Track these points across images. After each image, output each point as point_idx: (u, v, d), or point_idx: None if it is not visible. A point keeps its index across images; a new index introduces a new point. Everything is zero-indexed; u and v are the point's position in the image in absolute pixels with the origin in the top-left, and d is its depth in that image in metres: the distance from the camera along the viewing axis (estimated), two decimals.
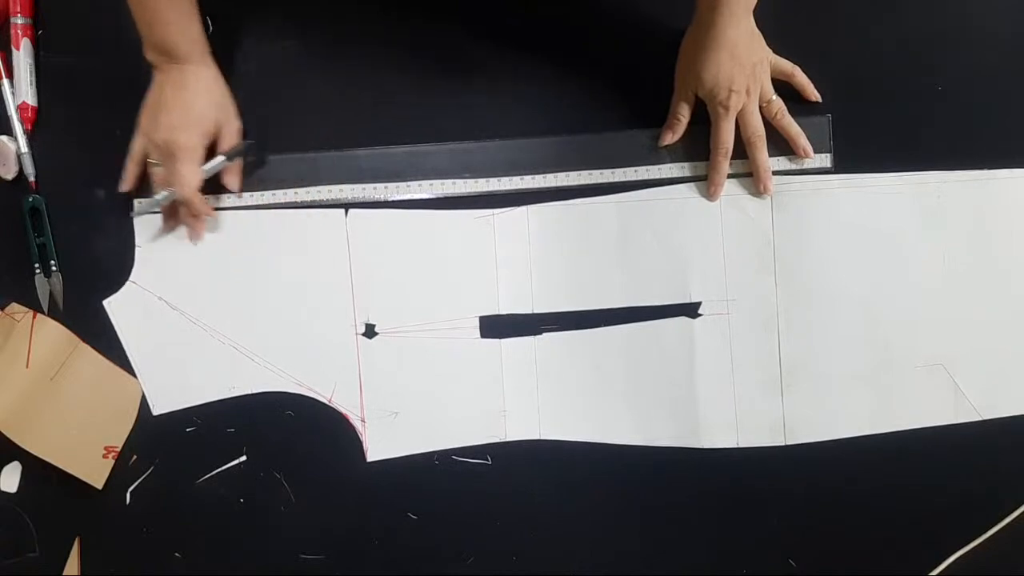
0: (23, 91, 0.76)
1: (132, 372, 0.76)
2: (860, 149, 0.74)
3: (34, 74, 0.76)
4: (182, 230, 0.75)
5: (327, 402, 0.75)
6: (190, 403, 0.75)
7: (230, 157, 0.72)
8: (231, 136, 0.73)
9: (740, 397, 0.74)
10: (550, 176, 0.75)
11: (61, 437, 0.74)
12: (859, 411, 0.74)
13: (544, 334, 0.75)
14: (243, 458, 0.76)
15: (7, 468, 0.77)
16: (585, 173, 0.75)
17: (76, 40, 0.76)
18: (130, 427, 0.76)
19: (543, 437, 0.75)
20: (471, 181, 0.75)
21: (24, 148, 0.76)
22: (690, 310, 0.75)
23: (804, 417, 0.74)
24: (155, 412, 0.75)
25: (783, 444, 0.74)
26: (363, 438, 0.75)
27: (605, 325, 0.75)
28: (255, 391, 0.75)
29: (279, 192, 0.75)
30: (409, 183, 0.75)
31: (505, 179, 0.75)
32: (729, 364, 0.75)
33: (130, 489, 0.76)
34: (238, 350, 0.75)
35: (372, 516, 0.75)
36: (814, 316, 0.74)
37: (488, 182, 0.75)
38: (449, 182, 0.75)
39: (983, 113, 0.74)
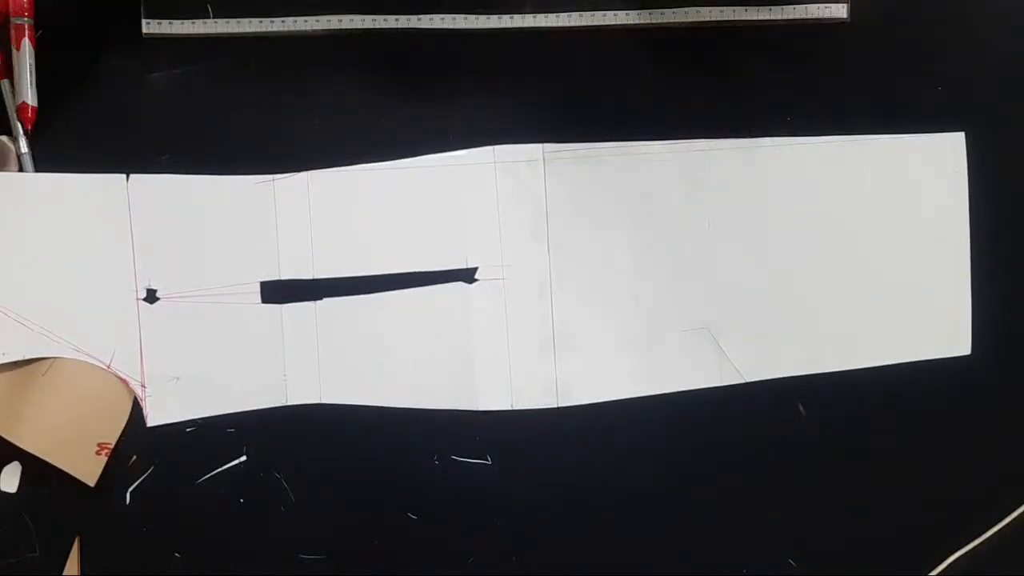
0: (23, 91, 0.74)
1: None
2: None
3: (34, 74, 0.74)
4: None
5: (106, 367, 0.75)
6: None
7: None
8: None
9: (515, 360, 0.76)
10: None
11: (53, 433, 0.73)
12: (629, 373, 0.76)
13: (324, 299, 0.76)
14: (243, 458, 0.75)
15: (7, 468, 0.75)
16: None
17: (76, 41, 0.75)
18: (123, 424, 0.74)
19: (324, 401, 0.76)
20: None
21: (24, 148, 0.74)
22: (466, 275, 0.76)
23: (576, 380, 0.76)
24: None
25: (556, 406, 0.76)
26: (143, 404, 0.75)
27: (384, 290, 0.76)
28: (28, 356, 0.74)
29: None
30: None
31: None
32: (504, 328, 0.76)
33: (130, 489, 0.75)
34: (5, 314, 0.74)
35: (372, 516, 0.76)
36: (586, 281, 0.76)
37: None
38: None
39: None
